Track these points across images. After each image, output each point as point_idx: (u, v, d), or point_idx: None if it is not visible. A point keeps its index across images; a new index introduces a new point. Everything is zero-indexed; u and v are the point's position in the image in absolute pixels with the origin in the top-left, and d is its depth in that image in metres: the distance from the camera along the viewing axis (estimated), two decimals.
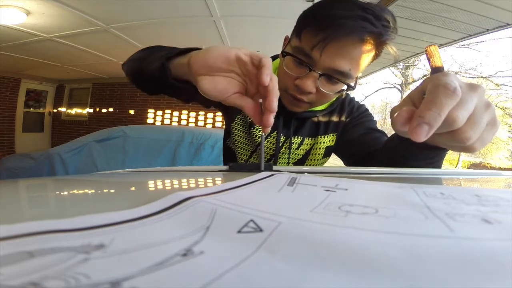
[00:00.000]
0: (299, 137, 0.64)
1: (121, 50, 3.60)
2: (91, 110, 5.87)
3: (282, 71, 0.55)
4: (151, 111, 5.43)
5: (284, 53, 0.53)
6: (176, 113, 5.31)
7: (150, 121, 5.34)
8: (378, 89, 12.30)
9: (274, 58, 0.65)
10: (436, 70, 0.78)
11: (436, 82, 0.27)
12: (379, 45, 0.50)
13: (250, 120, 0.64)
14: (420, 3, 1.81)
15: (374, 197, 0.22)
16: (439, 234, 0.13)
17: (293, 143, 0.64)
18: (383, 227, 0.14)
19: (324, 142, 0.65)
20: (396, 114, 0.28)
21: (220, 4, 2.21)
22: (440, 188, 0.27)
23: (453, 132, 0.28)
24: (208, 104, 0.64)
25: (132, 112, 5.54)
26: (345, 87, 0.54)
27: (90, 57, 4.04)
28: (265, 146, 0.63)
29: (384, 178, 0.36)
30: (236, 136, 0.66)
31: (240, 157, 0.67)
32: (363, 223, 0.15)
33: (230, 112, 0.66)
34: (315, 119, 0.65)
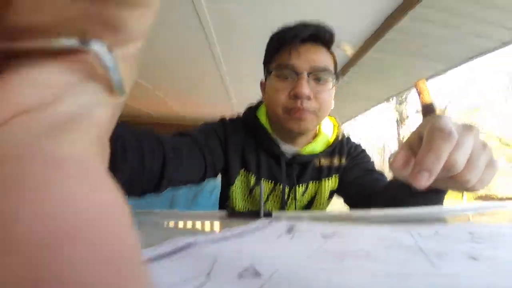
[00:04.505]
0: (303, 184, 0.63)
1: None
2: None
3: (272, 93, 0.57)
4: None
5: (270, 71, 0.58)
6: None
7: None
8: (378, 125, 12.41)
9: (259, 102, 0.67)
10: (427, 107, 0.81)
11: (431, 126, 0.27)
12: (331, 45, 0.59)
13: (252, 183, 0.62)
14: (406, 37, 1.89)
15: (369, 241, 0.22)
16: (425, 272, 0.14)
17: (298, 192, 0.63)
18: (376, 271, 0.15)
19: (328, 186, 0.65)
20: (393, 159, 0.29)
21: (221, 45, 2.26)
22: (436, 227, 0.28)
23: (453, 175, 0.28)
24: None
25: None
26: (331, 84, 0.57)
27: None
28: (270, 200, 0.63)
29: (385, 220, 0.37)
30: (236, 199, 0.63)
31: None
32: (357, 269, 0.16)
33: (229, 174, 0.62)
34: (317, 162, 0.65)
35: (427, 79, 2.72)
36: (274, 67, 0.57)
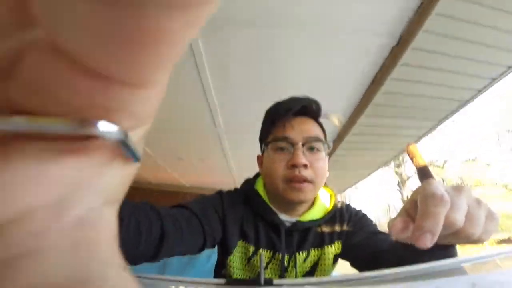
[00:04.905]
0: (304, 251, 0.63)
1: None
2: None
3: (271, 164, 0.60)
4: None
5: (267, 144, 0.61)
6: None
7: None
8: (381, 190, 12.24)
9: (255, 177, 0.70)
10: (421, 170, 0.83)
11: (424, 193, 0.30)
12: (319, 117, 0.64)
13: (250, 253, 0.62)
14: (393, 99, 1.96)
15: None
16: None
17: (298, 259, 0.62)
18: None
19: (331, 252, 0.65)
20: (391, 224, 0.31)
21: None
22: (436, 282, 0.26)
23: (458, 231, 0.29)
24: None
25: None
26: (324, 153, 0.60)
27: None
28: (269, 269, 0.62)
29: (382, 280, 0.35)
30: (234, 269, 0.63)
31: None
32: None
33: (227, 245, 0.62)
34: (319, 229, 0.65)
35: (420, 138, 2.74)
36: (270, 140, 0.61)
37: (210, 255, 1.63)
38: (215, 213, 0.59)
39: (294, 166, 0.56)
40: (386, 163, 3.98)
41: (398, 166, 11.23)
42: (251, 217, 0.63)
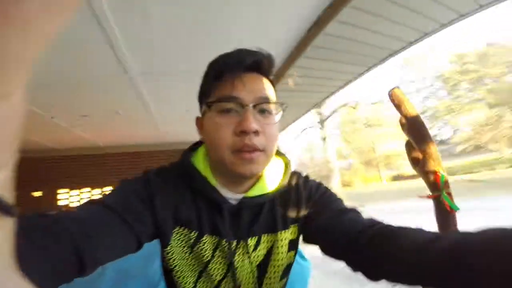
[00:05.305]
0: (254, 237, 0.56)
1: None
2: None
3: (215, 131, 0.51)
4: (63, 191, 4.45)
5: (212, 104, 0.52)
6: (97, 191, 4.44)
7: (64, 202, 4.36)
8: (305, 128, 13.33)
9: (195, 145, 0.62)
10: (412, 120, 0.65)
11: None
12: (271, 74, 0.57)
13: (193, 239, 0.54)
14: (332, 42, 1.96)
15: None
16: None
17: (249, 246, 0.55)
18: None
19: (286, 238, 0.58)
20: None
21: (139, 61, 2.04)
22: None
23: None
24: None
25: (37, 194, 4.46)
26: (277, 117, 0.54)
27: None
28: (216, 258, 0.55)
29: None
30: (174, 261, 0.55)
31: (183, 284, 0.55)
32: None
33: (163, 235, 0.53)
34: (271, 209, 0.57)
35: (348, 82, 2.92)
36: (215, 100, 0.52)
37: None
38: (140, 202, 0.50)
39: (243, 132, 0.48)
40: (317, 105, 4.17)
41: (319, 106, 12.10)
42: (191, 197, 0.55)
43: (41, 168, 4.40)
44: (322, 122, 12.42)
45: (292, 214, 0.58)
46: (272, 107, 0.53)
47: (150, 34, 1.71)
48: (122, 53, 1.86)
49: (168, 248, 0.53)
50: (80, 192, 4.45)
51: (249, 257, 0.55)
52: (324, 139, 12.15)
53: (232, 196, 0.55)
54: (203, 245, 0.54)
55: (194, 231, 0.54)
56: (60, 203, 4.39)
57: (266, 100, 0.52)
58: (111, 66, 2.03)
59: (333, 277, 3.22)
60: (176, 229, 0.53)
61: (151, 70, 2.21)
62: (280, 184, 0.57)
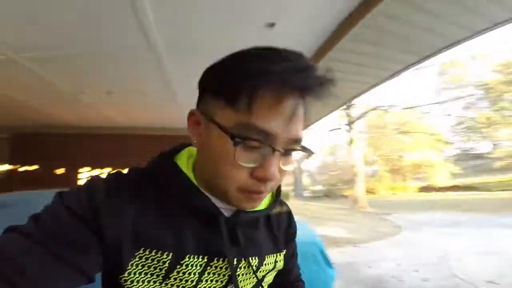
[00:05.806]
0: (255, 257, 0.51)
1: (39, 91, 2.97)
2: (10, 167, 4.81)
3: (227, 168, 0.40)
4: (85, 169, 4.58)
5: (236, 140, 0.37)
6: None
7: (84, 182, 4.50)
8: (332, 129, 13.02)
9: (180, 146, 0.52)
10: None
11: None
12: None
13: (168, 263, 0.42)
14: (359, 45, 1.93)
15: None
16: None
17: (252, 265, 0.50)
18: None
19: (281, 260, 0.57)
20: None
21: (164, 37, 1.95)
22: None
23: None
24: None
25: (60, 171, 4.61)
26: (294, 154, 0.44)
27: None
28: (204, 281, 0.45)
29: None
30: None
31: None
32: None
33: (116, 262, 0.41)
34: (269, 229, 0.55)
35: (370, 88, 2.94)
36: (242, 127, 0.37)
37: None
38: (81, 224, 0.38)
39: (262, 180, 0.39)
40: (344, 105, 4.10)
41: (349, 107, 11.67)
42: (165, 210, 0.44)
43: (66, 144, 4.56)
44: (350, 124, 11.98)
45: (287, 233, 0.59)
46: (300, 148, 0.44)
47: (176, 8, 1.65)
48: (149, 21, 1.79)
49: (125, 275, 0.41)
50: (101, 173, 4.53)
51: (255, 272, 0.50)
52: (351, 142, 11.73)
53: (225, 206, 0.46)
54: (185, 268, 0.43)
55: (167, 253, 0.43)
56: (81, 182, 4.52)
57: (298, 144, 0.42)
58: (136, 38, 1.96)
59: (357, 286, 3.16)
60: (139, 253, 0.41)
61: (177, 48, 2.12)
62: (271, 200, 0.54)
